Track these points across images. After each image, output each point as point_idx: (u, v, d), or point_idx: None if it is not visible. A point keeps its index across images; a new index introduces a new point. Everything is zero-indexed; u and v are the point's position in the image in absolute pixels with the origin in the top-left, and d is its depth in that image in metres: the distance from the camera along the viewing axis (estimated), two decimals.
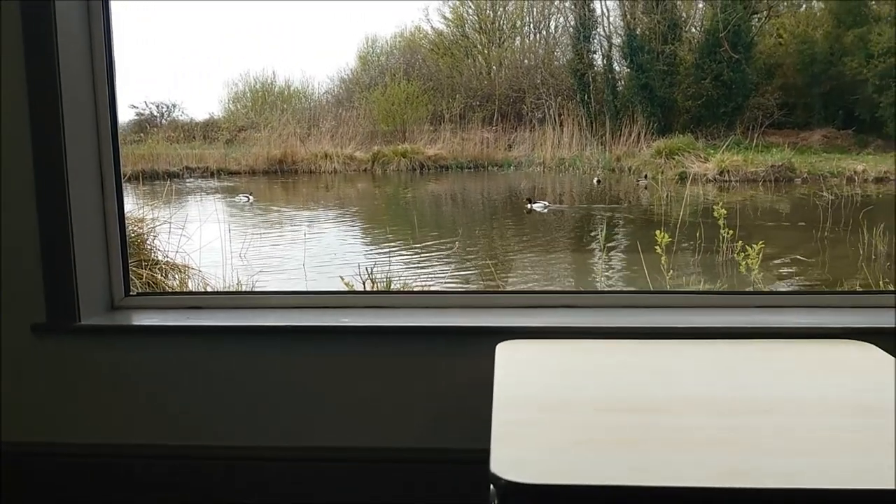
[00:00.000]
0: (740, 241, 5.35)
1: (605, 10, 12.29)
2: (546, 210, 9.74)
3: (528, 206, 9.85)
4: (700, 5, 12.27)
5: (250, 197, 10.36)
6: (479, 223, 9.82)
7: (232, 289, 5.47)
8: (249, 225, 9.40)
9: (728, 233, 5.82)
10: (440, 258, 7.69)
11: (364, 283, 5.53)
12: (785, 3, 12.06)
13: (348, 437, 2.67)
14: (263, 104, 13.19)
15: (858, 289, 5.44)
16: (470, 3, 13.17)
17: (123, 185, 2.87)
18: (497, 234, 9.27)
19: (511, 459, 1.45)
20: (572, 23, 12.50)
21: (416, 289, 5.84)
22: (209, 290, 5.40)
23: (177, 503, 2.76)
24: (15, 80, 2.55)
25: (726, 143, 10.74)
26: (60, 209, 2.59)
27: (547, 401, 1.77)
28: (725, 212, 5.78)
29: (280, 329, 2.64)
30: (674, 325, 2.51)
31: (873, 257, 6.66)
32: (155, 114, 13.07)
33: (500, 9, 13.16)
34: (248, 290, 5.51)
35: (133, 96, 12.48)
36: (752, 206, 9.31)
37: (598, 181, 11.05)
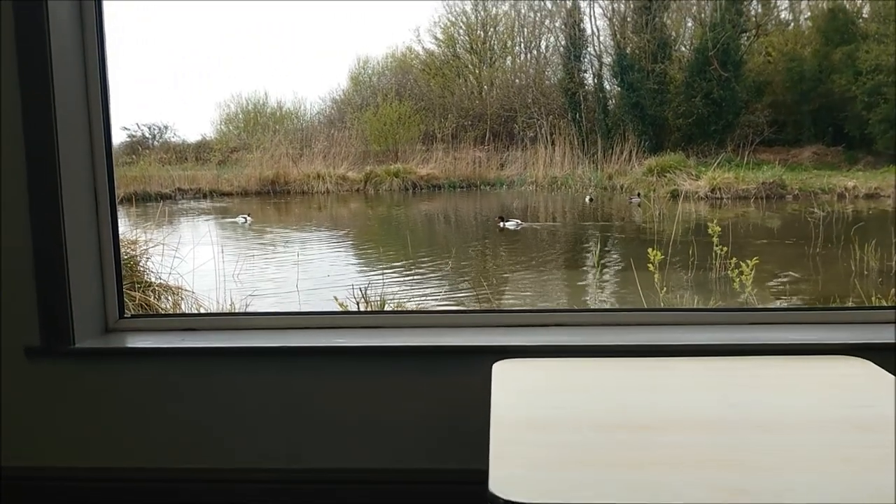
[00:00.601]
0: (734, 259, 5.36)
1: (595, 30, 12.38)
2: (519, 227, 9.79)
3: (501, 224, 9.90)
4: (689, 24, 12.37)
5: (248, 218, 10.36)
6: (472, 242, 9.84)
7: (226, 310, 5.46)
8: (249, 245, 9.40)
9: (722, 250, 5.84)
10: (433, 278, 7.70)
11: (358, 304, 5.53)
12: (773, 22, 12.16)
13: (344, 457, 2.67)
14: (255, 125, 13.22)
15: (852, 305, 5.46)
16: (461, 24, 13.25)
17: (117, 206, 2.88)
18: (490, 253, 9.29)
19: (509, 479, 1.44)
20: (563, 42, 12.59)
21: (410, 308, 5.83)
22: (203, 311, 5.39)
23: None
24: (9, 102, 2.55)
25: (717, 161, 10.80)
26: (55, 232, 2.59)
27: (544, 420, 1.77)
28: (720, 229, 5.80)
29: (275, 350, 2.64)
30: (669, 342, 2.51)
31: (865, 273, 6.69)
32: (147, 136, 13.08)
33: (491, 29, 13.25)
34: (242, 311, 5.49)
35: (125, 118, 12.51)
36: (744, 223, 9.35)
37: (591, 199, 11.09)
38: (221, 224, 10.51)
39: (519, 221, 9.97)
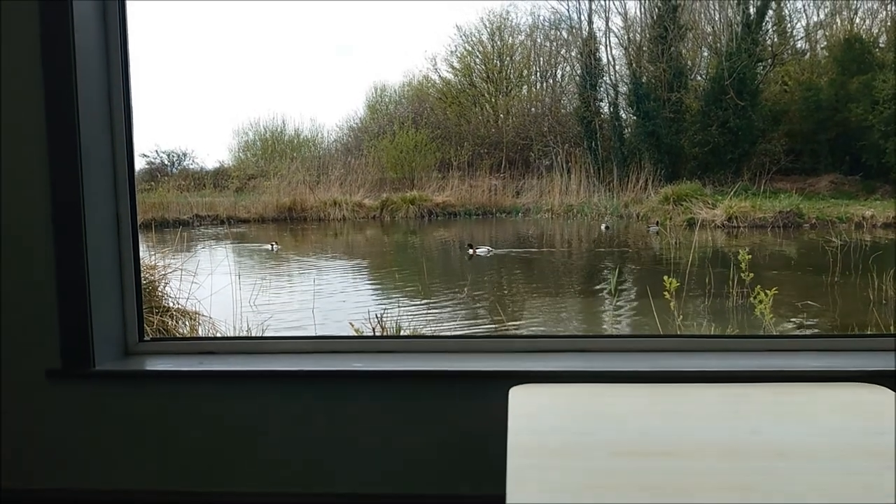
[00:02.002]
0: (758, 287, 5.33)
1: (611, 59, 12.46)
2: (490, 255, 9.83)
3: (470, 251, 9.93)
4: (705, 54, 12.42)
5: (274, 245, 10.40)
6: (488, 270, 9.88)
7: (244, 334, 5.49)
8: (277, 273, 9.47)
9: (748, 276, 5.82)
10: (449, 306, 7.74)
11: (374, 330, 5.54)
12: (789, 51, 12.19)
13: (360, 482, 2.66)
14: (273, 152, 13.34)
15: (870, 332, 5.42)
16: (477, 53, 13.36)
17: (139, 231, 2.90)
18: (506, 282, 9.31)
19: (526, 503, 1.44)
20: (578, 71, 12.67)
21: (427, 333, 5.84)
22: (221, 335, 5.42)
23: None
24: (35, 127, 2.59)
25: (734, 190, 10.79)
26: (77, 255, 2.62)
27: (562, 445, 1.77)
28: (750, 257, 5.80)
29: (292, 374, 2.65)
30: (687, 368, 2.51)
31: (884, 302, 6.64)
32: (166, 162, 13.23)
33: (508, 58, 13.35)
34: (260, 335, 5.52)
35: (145, 145, 12.66)
36: (760, 251, 9.32)
37: (607, 227, 11.08)
38: (250, 251, 10.55)
39: (490, 248, 10.02)
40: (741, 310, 6.27)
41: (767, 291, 5.08)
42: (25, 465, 2.74)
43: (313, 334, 5.85)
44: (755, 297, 5.27)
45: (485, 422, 2.52)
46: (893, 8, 11.57)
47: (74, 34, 2.56)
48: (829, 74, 11.61)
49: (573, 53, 12.91)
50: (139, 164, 12.60)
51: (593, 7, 12.36)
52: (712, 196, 10.86)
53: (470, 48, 13.36)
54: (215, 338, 4.51)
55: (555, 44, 13.26)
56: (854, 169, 11.22)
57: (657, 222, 10.69)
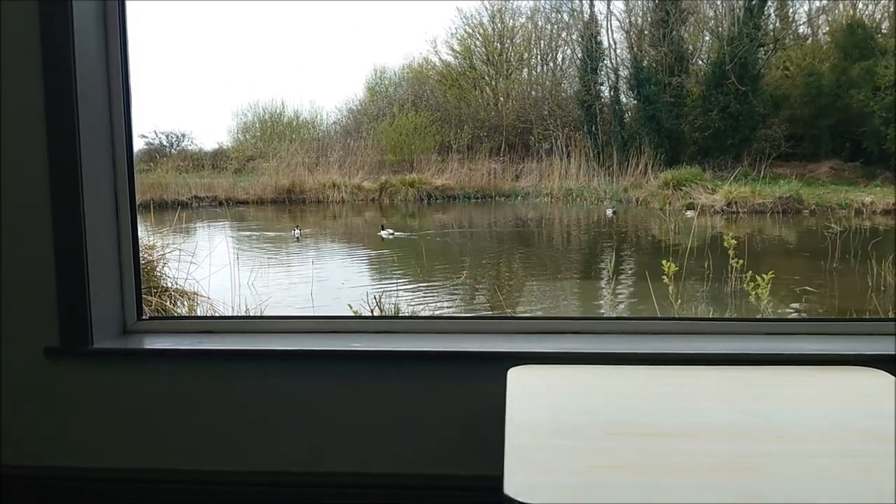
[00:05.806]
0: (750, 272, 5.33)
1: (612, 43, 12.40)
2: (391, 237, 9.90)
3: (381, 233, 10.05)
4: (707, 38, 12.36)
5: (297, 230, 10.37)
6: (486, 252, 9.88)
7: (242, 313, 5.49)
8: (301, 258, 9.48)
9: (738, 262, 5.82)
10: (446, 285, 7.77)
11: (372, 312, 5.54)
12: (791, 36, 12.13)
13: (359, 462, 2.67)
14: (272, 134, 13.29)
15: (870, 316, 5.42)
16: (478, 36, 13.29)
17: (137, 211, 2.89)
18: (504, 263, 9.33)
19: (525, 483, 1.45)
20: (579, 55, 12.61)
21: (425, 314, 5.84)
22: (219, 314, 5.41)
23: None
24: (33, 107, 2.58)
25: (733, 175, 10.76)
26: (75, 234, 2.61)
27: (559, 425, 1.77)
28: (735, 242, 5.78)
29: (291, 353, 2.65)
30: (685, 351, 2.50)
31: (882, 288, 6.64)
32: (164, 143, 13.18)
33: (508, 41, 13.28)
34: (258, 314, 5.52)
35: (143, 125, 12.62)
36: (759, 237, 9.31)
37: (614, 212, 11.02)
38: (270, 238, 10.52)
39: (392, 231, 10.10)
40: (740, 295, 6.27)
41: (765, 276, 5.07)
42: (24, 443, 2.74)
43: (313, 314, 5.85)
44: (748, 283, 5.27)
45: (483, 402, 2.52)
46: None
47: (73, 13, 2.55)
48: (830, 60, 11.55)
49: (574, 36, 12.84)
50: (138, 144, 12.57)
51: None
52: (712, 181, 10.84)
53: (470, 30, 13.30)
54: (213, 317, 4.51)
55: (556, 26, 13.20)
56: (854, 155, 11.19)
57: (691, 206, 10.47)
